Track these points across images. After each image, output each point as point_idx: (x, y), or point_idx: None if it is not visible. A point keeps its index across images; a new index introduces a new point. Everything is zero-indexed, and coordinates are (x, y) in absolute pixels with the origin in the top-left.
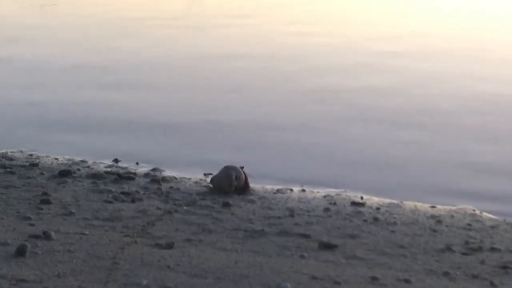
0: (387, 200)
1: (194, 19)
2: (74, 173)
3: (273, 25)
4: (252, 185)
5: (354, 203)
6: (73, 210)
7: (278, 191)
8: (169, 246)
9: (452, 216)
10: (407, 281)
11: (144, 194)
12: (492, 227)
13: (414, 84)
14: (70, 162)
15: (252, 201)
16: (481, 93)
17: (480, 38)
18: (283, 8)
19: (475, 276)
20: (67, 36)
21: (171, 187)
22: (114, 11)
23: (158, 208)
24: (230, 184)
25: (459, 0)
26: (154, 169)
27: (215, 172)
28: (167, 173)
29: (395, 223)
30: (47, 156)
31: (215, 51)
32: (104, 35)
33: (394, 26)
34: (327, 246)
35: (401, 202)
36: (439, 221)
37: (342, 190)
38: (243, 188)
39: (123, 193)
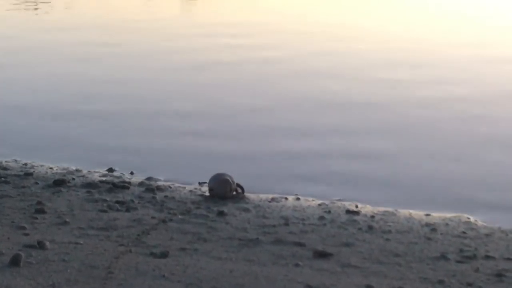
0: (382, 208)
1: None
2: (69, 182)
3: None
4: (246, 194)
5: (349, 212)
6: (67, 220)
7: (273, 199)
8: (164, 255)
9: (447, 224)
10: None
11: (138, 203)
12: (487, 235)
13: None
14: (65, 171)
15: (247, 210)
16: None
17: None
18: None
19: (469, 284)
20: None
21: (165, 196)
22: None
23: (153, 217)
24: (230, 188)
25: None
26: (148, 178)
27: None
28: (162, 182)
29: (389, 231)
30: (41, 166)
31: (208, 59)
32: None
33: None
34: (322, 255)
35: (396, 210)
36: (433, 229)
37: (337, 198)
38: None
39: (117, 202)
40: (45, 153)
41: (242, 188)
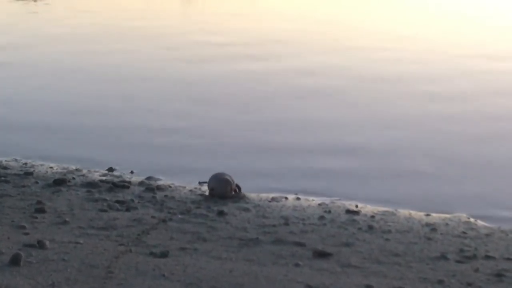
0: (381, 208)
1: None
2: (69, 181)
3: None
4: (247, 193)
5: (349, 211)
6: (67, 219)
7: (273, 199)
8: (164, 254)
9: (447, 224)
10: None
11: (138, 202)
12: (487, 235)
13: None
14: (65, 170)
15: (247, 210)
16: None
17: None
18: None
19: (469, 284)
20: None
21: (165, 196)
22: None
23: (153, 217)
24: (231, 188)
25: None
26: (148, 178)
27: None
28: (162, 181)
29: (389, 231)
30: (41, 165)
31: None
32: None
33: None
34: (322, 255)
35: (396, 210)
36: (433, 229)
37: (337, 198)
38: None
39: (117, 201)
40: (45, 153)
41: (239, 187)
